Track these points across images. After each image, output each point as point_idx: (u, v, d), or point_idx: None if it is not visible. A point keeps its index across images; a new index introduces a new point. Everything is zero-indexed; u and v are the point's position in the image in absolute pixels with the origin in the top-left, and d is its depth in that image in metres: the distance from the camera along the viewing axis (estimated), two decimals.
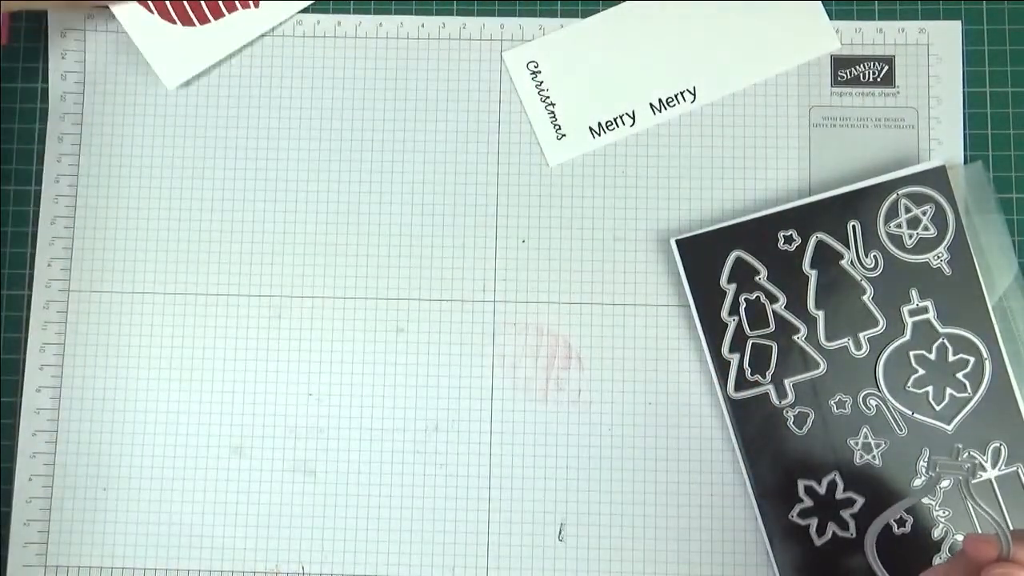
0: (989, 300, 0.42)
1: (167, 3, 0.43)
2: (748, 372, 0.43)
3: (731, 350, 0.43)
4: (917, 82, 0.45)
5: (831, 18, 0.45)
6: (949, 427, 0.42)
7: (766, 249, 0.43)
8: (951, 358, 0.42)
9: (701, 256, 0.43)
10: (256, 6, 0.42)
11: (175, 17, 0.43)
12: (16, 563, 0.43)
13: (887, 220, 0.43)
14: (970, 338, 0.42)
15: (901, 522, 0.41)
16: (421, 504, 0.43)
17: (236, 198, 0.45)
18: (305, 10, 0.46)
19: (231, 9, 0.43)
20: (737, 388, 0.43)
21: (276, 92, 0.46)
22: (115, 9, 0.42)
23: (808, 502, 0.42)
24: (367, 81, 0.46)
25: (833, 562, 0.41)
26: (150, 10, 0.42)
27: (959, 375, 0.42)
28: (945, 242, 0.43)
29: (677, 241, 0.43)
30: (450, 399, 0.44)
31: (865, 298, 0.42)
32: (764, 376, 0.42)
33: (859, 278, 0.43)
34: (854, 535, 0.41)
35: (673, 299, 0.44)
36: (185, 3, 0.43)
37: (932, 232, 0.43)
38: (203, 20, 0.43)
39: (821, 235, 0.43)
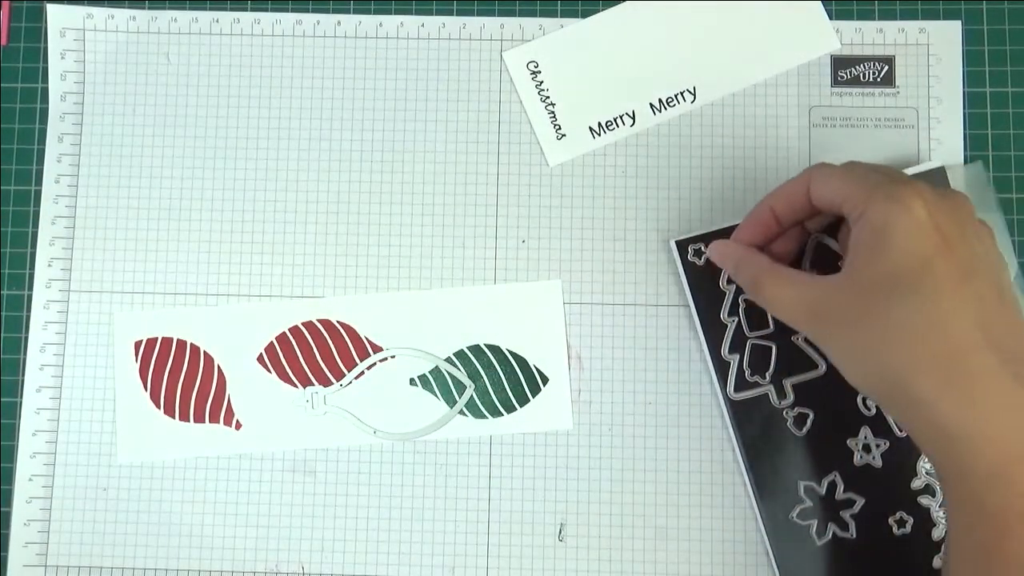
0: None
1: (163, 394, 0.44)
2: (748, 373, 0.43)
3: (731, 351, 0.43)
4: (917, 82, 0.45)
5: (831, 18, 0.45)
6: None
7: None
8: None
9: (701, 256, 0.43)
10: (236, 429, 0.43)
11: (163, 404, 0.44)
12: (16, 563, 0.43)
13: None
14: None
15: (901, 522, 0.41)
16: (421, 504, 0.43)
17: (236, 198, 0.45)
18: (305, 10, 0.46)
19: (213, 420, 0.44)
20: (737, 389, 0.43)
21: (276, 92, 0.46)
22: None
23: (808, 502, 0.42)
24: (367, 81, 0.46)
25: (833, 562, 0.41)
26: (157, 403, 0.44)
27: None
28: None
29: (677, 242, 0.43)
30: None
31: None
32: (764, 377, 0.43)
33: None
34: (854, 535, 0.42)
35: (673, 299, 0.44)
36: (178, 397, 0.44)
37: None
38: (184, 418, 0.44)
39: (821, 235, 0.43)
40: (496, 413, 0.44)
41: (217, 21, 0.46)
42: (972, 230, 0.34)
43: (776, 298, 0.37)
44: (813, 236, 0.42)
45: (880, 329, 0.33)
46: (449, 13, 0.46)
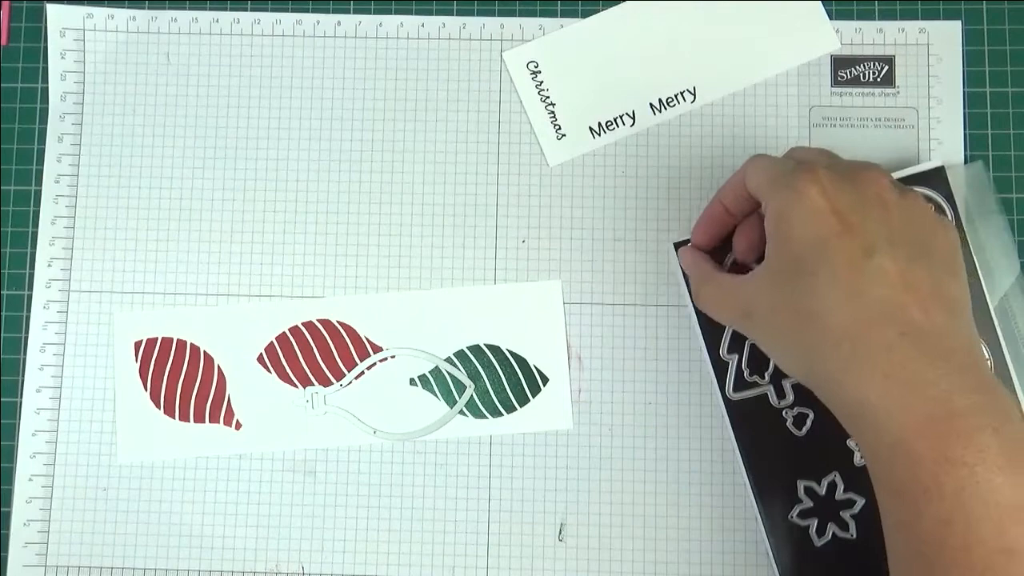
0: (990, 301, 0.42)
1: (163, 394, 0.44)
2: (747, 373, 0.43)
3: (729, 351, 0.43)
4: (917, 82, 0.45)
5: (831, 18, 0.45)
6: None
7: None
8: None
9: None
10: (236, 429, 0.43)
11: (163, 404, 0.44)
12: (16, 563, 0.43)
13: None
14: None
15: None
16: (421, 504, 0.43)
17: (236, 198, 0.45)
18: (305, 10, 0.46)
19: (213, 420, 0.44)
20: (736, 389, 0.43)
21: (276, 92, 0.46)
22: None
23: (808, 502, 0.42)
24: (367, 81, 0.46)
25: (833, 563, 0.41)
26: (157, 403, 0.44)
27: None
28: None
29: (677, 242, 0.43)
30: None
31: None
32: (763, 376, 0.42)
33: None
34: (854, 536, 0.41)
35: (673, 299, 0.44)
36: (178, 397, 0.44)
37: None
38: (184, 418, 0.44)
39: None
40: (496, 413, 0.44)
41: (217, 21, 0.46)
42: (876, 206, 0.34)
43: (712, 303, 0.39)
44: None
45: (790, 316, 0.34)
46: (449, 13, 0.46)
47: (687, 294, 0.43)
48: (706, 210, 0.42)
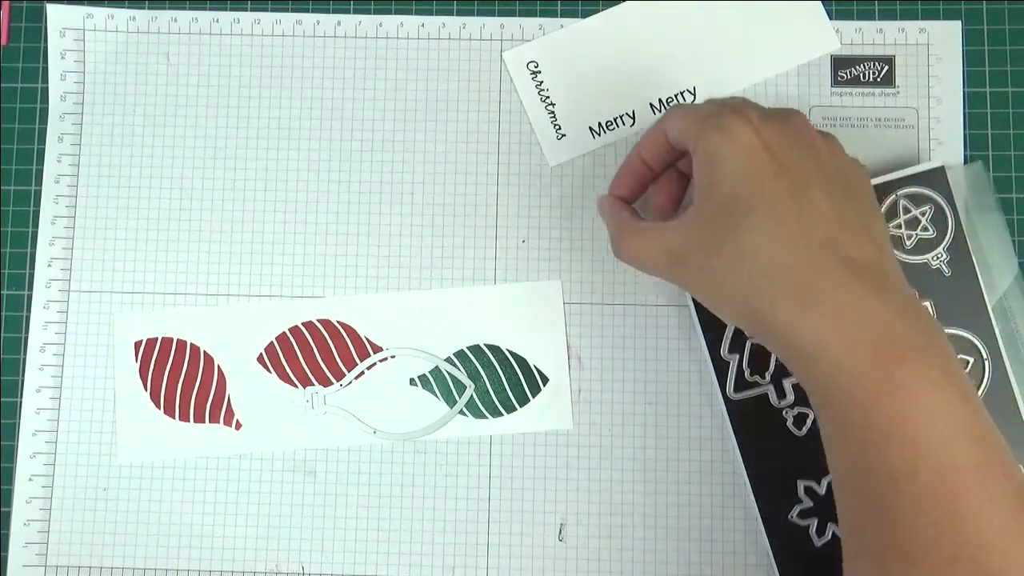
0: (989, 301, 0.42)
1: (163, 394, 0.44)
2: (747, 372, 0.43)
3: (730, 351, 0.43)
4: (917, 82, 0.45)
5: (831, 18, 0.45)
6: None
7: None
8: None
9: None
10: (236, 429, 0.43)
11: (163, 404, 0.44)
12: (16, 563, 0.43)
13: (886, 221, 0.43)
14: (970, 339, 0.42)
15: None
16: (421, 504, 0.43)
17: (236, 198, 0.45)
18: (305, 10, 0.46)
19: (213, 420, 0.44)
20: (736, 388, 0.43)
21: (276, 92, 0.46)
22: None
23: (808, 502, 0.42)
24: (367, 81, 0.46)
25: (833, 562, 0.41)
26: (157, 403, 0.44)
27: None
28: (944, 243, 0.43)
29: None
30: None
31: None
32: (763, 376, 0.43)
33: None
34: None
35: (673, 299, 0.44)
36: (178, 397, 0.44)
37: (931, 233, 0.43)
38: (184, 418, 0.44)
39: None
40: (496, 413, 0.44)
41: (217, 21, 0.46)
42: (805, 145, 0.34)
43: (636, 252, 0.38)
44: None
45: (727, 257, 0.33)
46: (449, 13, 0.46)
47: (687, 294, 0.43)
48: (624, 165, 0.41)
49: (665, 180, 0.41)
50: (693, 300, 0.43)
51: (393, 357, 0.44)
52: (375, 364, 0.44)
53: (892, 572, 0.31)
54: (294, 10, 0.46)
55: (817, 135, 0.35)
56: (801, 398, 0.42)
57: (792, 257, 0.32)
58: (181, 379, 0.44)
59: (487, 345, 0.44)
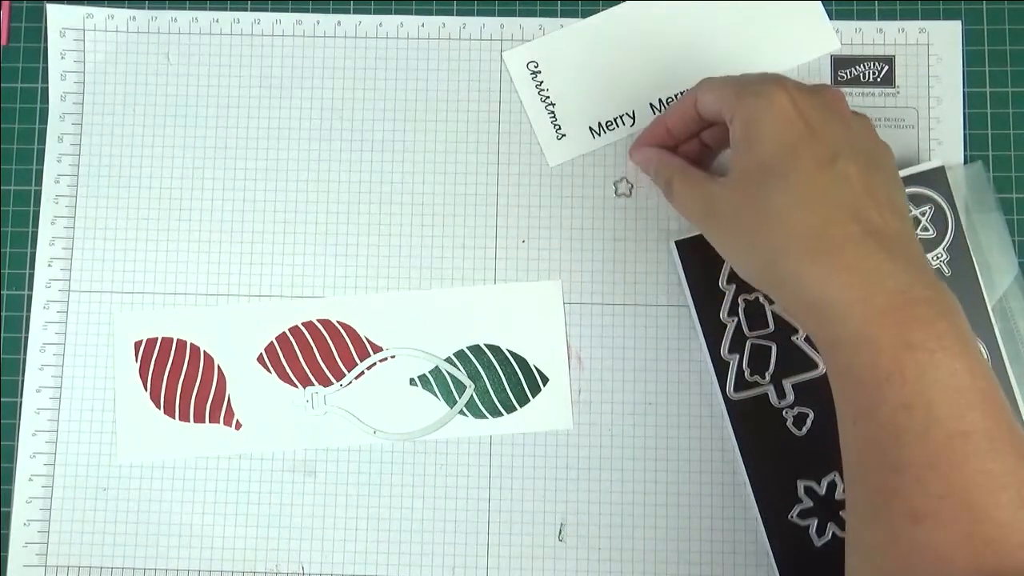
0: (989, 300, 0.42)
1: (163, 394, 0.44)
2: (747, 373, 0.43)
3: (730, 351, 0.43)
4: (917, 82, 0.45)
5: (831, 18, 0.45)
6: None
7: None
8: None
9: (701, 257, 0.43)
10: (236, 429, 0.43)
11: (163, 404, 0.44)
12: (16, 563, 0.43)
13: None
14: None
15: None
16: (421, 504, 0.43)
17: (236, 198, 0.45)
18: (305, 10, 0.46)
19: (213, 420, 0.44)
20: (736, 388, 0.43)
21: (276, 92, 0.46)
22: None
23: (808, 502, 0.42)
24: (367, 81, 0.46)
25: (833, 562, 0.41)
26: (157, 403, 0.44)
27: None
28: (944, 243, 0.43)
29: (677, 242, 0.43)
30: None
31: None
32: (763, 377, 0.43)
33: None
34: None
35: (673, 299, 0.44)
36: (178, 397, 0.44)
37: (931, 233, 0.43)
38: (184, 418, 0.44)
39: None
40: (496, 413, 0.44)
41: (217, 21, 0.46)
42: (838, 118, 0.36)
43: (681, 196, 0.40)
44: None
45: (755, 215, 0.35)
46: (449, 13, 0.46)
47: (687, 294, 0.43)
48: (646, 132, 0.43)
49: (687, 151, 0.42)
50: (693, 300, 0.43)
51: (393, 357, 0.44)
52: (375, 364, 0.44)
53: (898, 529, 0.32)
54: (294, 10, 0.46)
55: (849, 110, 0.37)
56: (801, 398, 0.42)
57: (816, 216, 0.33)
58: (181, 379, 0.44)
59: (487, 345, 0.44)
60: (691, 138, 0.42)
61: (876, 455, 0.33)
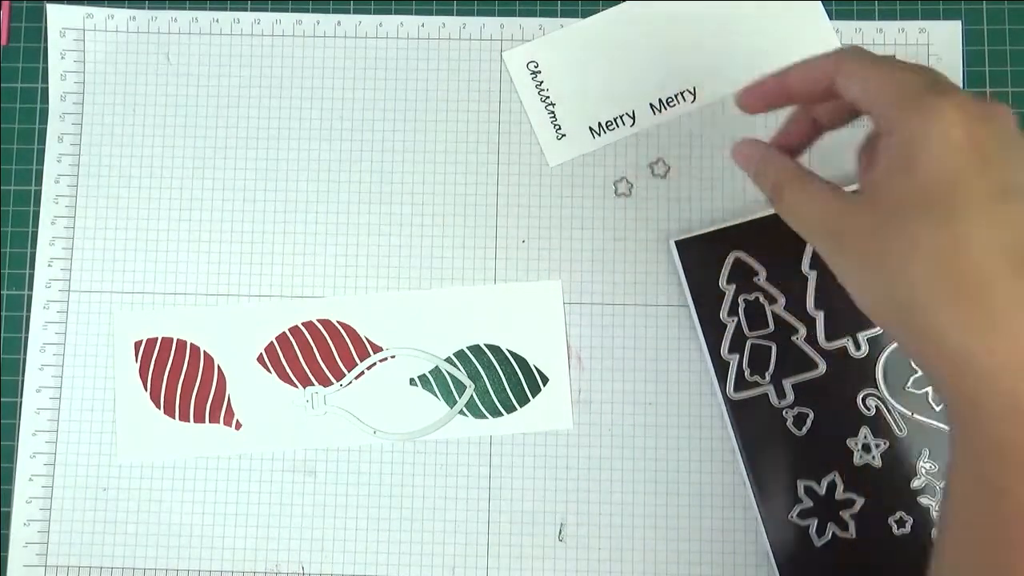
0: None
1: (163, 394, 0.44)
2: (747, 373, 0.43)
3: (730, 351, 0.43)
4: None
5: (831, 18, 0.45)
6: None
7: (765, 250, 0.43)
8: None
9: (700, 257, 0.43)
10: (236, 429, 0.43)
11: (163, 404, 0.44)
12: (16, 563, 0.43)
13: None
14: None
15: (901, 522, 0.41)
16: (421, 504, 0.43)
17: (236, 198, 0.45)
18: (305, 10, 0.46)
19: (213, 420, 0.44)
20: (736, 388, 0.43)
21: (276, 92, 0.46)
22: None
23: (808, 502, 0.42)
24: (367, 81, 0.46)
25: (833, 562, 0.41)
26: (157, 403, 0.44)
27: None
28: None
29: (677, 242, 0.43)
30: None
31: None
32: (763, 377, 0.43)
33: None
34: (854, 535, 0.42)
35: (673, 299, 0.44)
36: (178, 397, 0.44)
37: None
38: (184, 418, 0.44)
39: None
40: (496, 413, 0.44)
41: (217, 21, 0.46)
42: (1013, 145, 0.31)
43: (796, 207, 0.35)
44: None
45: (899, 249, 0.30)
46: (449, 13, 0.46)
47: (687, 294, 0.43)
48: (758, 83, 0.37)
49: (795, 121, 0.38)
50: (693, 300, 0.43)
51: (393, 357, 0.44)
52: (375, 364, 0.44)
53: None
54: (294, 10, 0.46)
55: (1021, 135, 0.32)
56: (801, 398, 0.42)
57: (969, 259, 0.29)
58: (181, 379, 0.44)
59: (487, 345, 0.44)
60: (810, 102, 0.36)
61: (999, 542, 0.30)
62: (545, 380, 0.44)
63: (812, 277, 0.43)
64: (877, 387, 0.42)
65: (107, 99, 0.46)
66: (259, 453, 0.44)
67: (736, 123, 0.45)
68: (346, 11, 0.46)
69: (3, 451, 0.44)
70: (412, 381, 0.44)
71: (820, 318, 0.43)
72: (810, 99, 0.36)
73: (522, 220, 0.45)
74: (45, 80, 0.46)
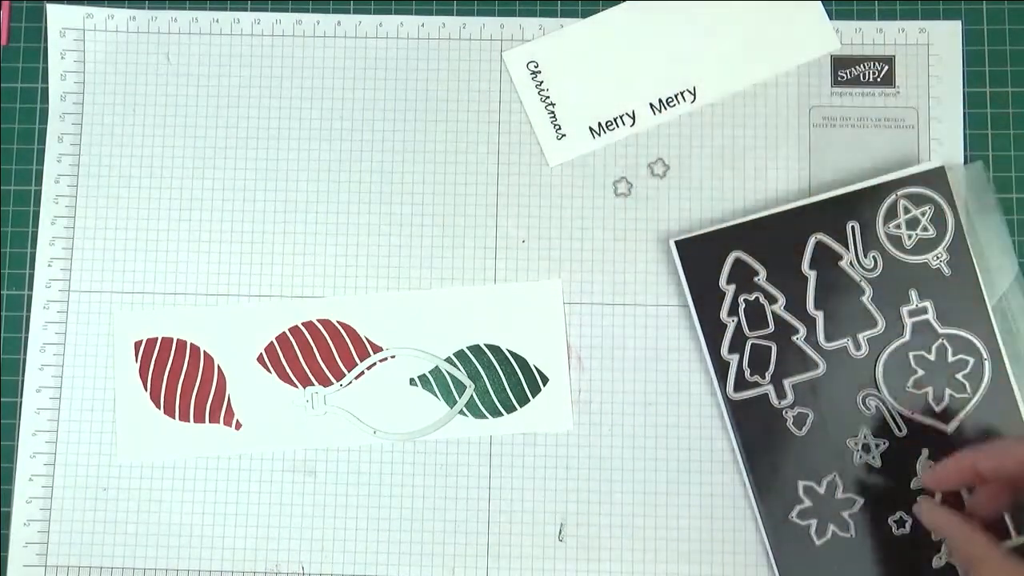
0: (989, 300, 0.42)
1: (163, 394, 0.44)
2: (747, 373, 0.43)
3: (730, 351, 0.43)
4: (917, 82, 0.45)
5: (831, 18, 0.45)
6: (948, 428, 0.42)
7: (765, 250, 0.43)
8: (951, 359, 0.42)
9: (700, 257, 0.43)
10: (236, 429, 0.43)
11: (163, 404, 0.44)
12: (16, 563, 0.43)
13: (886, 221, 0.43)
14: (970, 339, 0.42)
15: (900, 522, 0.41)
16: (421, 504, 0.43)
17: (236, 198, 0.45)
18: (305, 10, 0.46)
19: (213, 420, 0.44)
20: (736, 388, 0.43)
21: (276, 92, 0.46)
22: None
23: (808, 502, 0.42)
24: (367, 81, 0.46)
25: (833, 562, 0.41)
26: (157, 403, 0.44)
27: (959, 376, 0.42)
28: (944, 243, 0.43)
29: (676, 242, 0.43)
30: None
31: (864, 299, 0.42)
32: (763, 376, 0.43)
33: (858, 279, 0.43)
34: (854, 535, 0.42)
35: (673, 299, 0.44)
36: (178, 397, 0.44)
37: (931, 233, 0.43)
38: (184, 418, 0.44)
39: (820, 236, 0.43)
40: (496, 413, 0.44)
41: (217, 21, 0.46)
42: None
43: None
44: (813, 237, 0.42)
45: None
46: (449, 13, 0.46)
47: (687, 294, 0.43)
48: (949, 465, 0.37)
49: (990, 491, 0.38)
50: (693, 300, 0.43)
51: (393, 357, 0.44)
52: (375, 364, 0.44)
53: None
54: (294, 10, 0.46)
55: None
56: (801, 398, 0.42)
57: None
58: (181, 379, 0.44)
59: (487, 345, 0.44)
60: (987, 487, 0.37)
61: None
62: (545, 380, 0.44)
63: (812, 277, 0.43)
64: (877, 387, 0.42)
65: (107, 99, 0.46)
66: (259, 453, 0.44)
67: (737, 122, 0.45)
68: (346, 11, 0.46)
69: (3, 451, 0.44)
70: (412, 381, 0.44)
71: (820, 318, 0.43)
72: (1003, 477, 0.36)
73: (522, 220, 0.45)
74: (45, 80, 0.46)
